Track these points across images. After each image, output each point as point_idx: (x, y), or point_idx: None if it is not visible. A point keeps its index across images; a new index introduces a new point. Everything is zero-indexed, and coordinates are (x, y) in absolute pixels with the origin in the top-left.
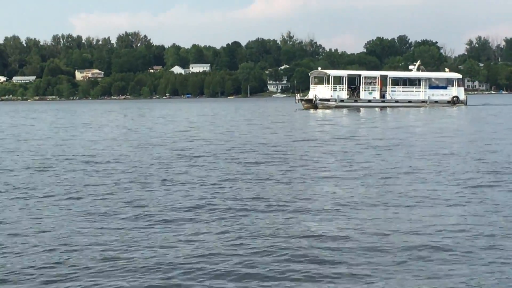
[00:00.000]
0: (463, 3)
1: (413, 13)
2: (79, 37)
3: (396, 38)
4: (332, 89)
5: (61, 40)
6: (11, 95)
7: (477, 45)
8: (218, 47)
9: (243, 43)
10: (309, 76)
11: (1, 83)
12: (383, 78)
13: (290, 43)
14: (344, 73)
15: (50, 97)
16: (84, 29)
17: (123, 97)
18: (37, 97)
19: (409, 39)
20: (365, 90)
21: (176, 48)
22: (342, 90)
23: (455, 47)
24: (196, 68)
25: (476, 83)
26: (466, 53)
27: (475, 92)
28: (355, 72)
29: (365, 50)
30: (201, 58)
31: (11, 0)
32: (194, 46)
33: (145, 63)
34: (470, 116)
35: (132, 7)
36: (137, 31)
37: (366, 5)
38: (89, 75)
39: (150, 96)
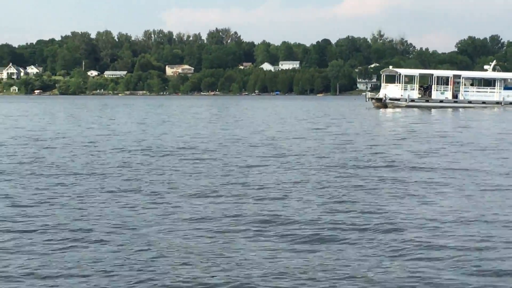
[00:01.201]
0: None
1: (506, 12)
2: (170, 33)
3: (488, 37)
4: (403, 88)
5: (152, 35)
6: (102, 89)
7: None
8: (308, 44)
9: (333, 41)
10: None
11: (93, 77)
12: (456, 78)
13: (381, 41)
14: (415, 72)
15: (141, 92)
16: (175, 24)
17: (212, 93)
18: (127, 92)
19: (501, 39)
20: (437, 90)
21: (266, 45)
22: (413, 89)
23: None
24: (285, 65)
25: None
26: None
27: None
28: (427, 71)
29: (456, 50)
30: (291, 55)
31: None
32: (284, 43)
33: (235, 60)
34: None
35: (223, 3)
36: (228, 28)
37: (459, 4)
38: (179, 70)
39: (240, 92)
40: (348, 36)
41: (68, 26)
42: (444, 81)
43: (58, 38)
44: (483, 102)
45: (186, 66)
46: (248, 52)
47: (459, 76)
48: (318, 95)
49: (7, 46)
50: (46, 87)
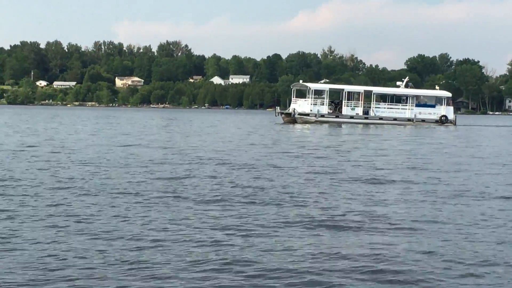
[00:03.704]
0: (506, 22)
1: (455, 31)
2: (120, 44)
3: (437, 55)
4: (312, 103)
5: (103, 46)
6: (51, 100)
7: None
8: (258, 59)
9: (284, 56)
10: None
11: (42, 87)
12: (367, 94)
13: (331, 57)
14: (325, 86)
15: (90, 103)
16: (126, 36)
17: (162, 105)
18: (76, 103)
19: (450, 57)
20: (347, 106)
21: (216, 58)
22: (323, 104)
23: (496, 67)
24: (236, 79)
25: None
26: (508, 74)
27: None
28: (337, 86)
29: (405, 67)
30: (241, 69)
31: (55, 6)
32: (234, 57)
33: (185, 73)
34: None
35: (174, 17)
36: (178, 40)
37: (408, 22)
38: (129, 82)
39: (189, 105)
40: (299, 51)
41: (17, 35)
42: (355, 96)
43: (7, 47)
44: (395, 119)
45: (136, 78)
46: (198, 65)
47: (370, 92)
48: (268, 109)
49: None
50: None
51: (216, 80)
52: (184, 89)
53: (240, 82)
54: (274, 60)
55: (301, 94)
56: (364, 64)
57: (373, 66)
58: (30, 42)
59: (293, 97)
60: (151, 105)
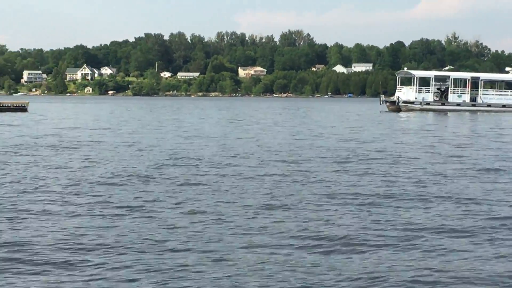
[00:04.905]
0: None
1: None
2: (243, 35)
3: None
4: (417, 90)
5: (225, 37)
6: (175, 91)
7: None
8: (381, 46)
9: (407, 43)
10: None
11: (166, 78)
12: (474, 80)
13: (455, 43)
14: (431, 73)
15: (213, 93)
16: (248, 26)
17: (284, 95)
18: (200, 93)
19: None
20: (453, 93)
21: (339, 47)
22: (428, 92)
23: None
24: (358, 67)
25: None
26: None
27: None
28: (443, 73)
29: None
30: (364, 57)
31: None
32: (357, 45)
33: (308, 62)
34: None
35: (296, 6)
36: (300, 30)
37: None
38: (252, 72)
39: (312, 94)
40: (422, 38)
41: (141, 27)
42: (461, 83)
43: (131, 39)
44: (503, 106)
45: (259, 68)
46: (320, 54)
47: (477, 78)
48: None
49: (81, 47)
50: (120, 88)
51: (339, 68)
52: (307, 78)
53: (363, 70)
54: (397, 48)
55: (406, 81)
56: (489, 50)
57: (499, 52)
58: (154, 34)
59: (398, 85)
60: (274, 95)
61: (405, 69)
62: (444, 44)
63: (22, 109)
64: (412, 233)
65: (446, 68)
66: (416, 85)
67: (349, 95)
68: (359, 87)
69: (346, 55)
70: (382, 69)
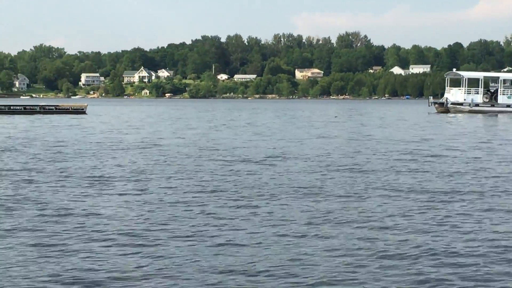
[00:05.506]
0: None
1: None
2: (300, 36)
3: None
4: (466, 92)
5: (282, 39)
6: (232, 93)
7: None
8: (439, 48)
9: (465, 44)
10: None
11: (223, 81)
12: None
13: None
14: (480, 74)
15: (270, 95)
16: (305, 28)
17: (342, 97)
18: (257, 95)
19: None
20: (503, 94)
21: (396, 48)
22: (478, 93)
23: None
24: (416, 69)
25: None
26: None
27: None
28: (493, 74)
29: None
30: (422, 59)
31: (235, 0)
32: (414, 46)
33: (365, 63)
34: None
35: (353, 8)
36: (357, 31)
37: None
38: (309, 74)
39: (369, 96)
40: (481, 39)
41: (198, 30)
42: None
43: (188, 42)
44: None
45: (316, 70)
46: (378, 55)
47: None
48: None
49: (139, 50)
50: (177, 91)
51: (396, 70)
52: (364, 80)
53: (421, 72)
54: (455, 49)
55: (455, 83)
56: None
57: None
58: (211, 36)
59: (447, 86)
60: (331, 97)
61: (454, 70)
62: (502, 45)
63: (81, 111)
64: None
65: (505, 70)
66: (465, 86)
67: (406, 96)
68: (416, 89)
69: (403, 57)
70: (440, 71)
